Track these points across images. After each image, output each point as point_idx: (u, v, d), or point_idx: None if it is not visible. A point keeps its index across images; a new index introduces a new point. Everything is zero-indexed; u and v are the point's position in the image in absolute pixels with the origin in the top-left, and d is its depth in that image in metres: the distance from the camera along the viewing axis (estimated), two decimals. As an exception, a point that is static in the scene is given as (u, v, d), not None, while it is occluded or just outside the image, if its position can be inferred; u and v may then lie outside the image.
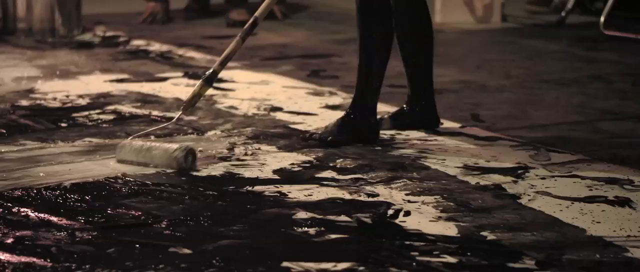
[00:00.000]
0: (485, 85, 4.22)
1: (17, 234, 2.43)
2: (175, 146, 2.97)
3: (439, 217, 2.56)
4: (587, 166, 3.02)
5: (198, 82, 3.17)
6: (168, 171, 2.94)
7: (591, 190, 2.79)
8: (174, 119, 3.17)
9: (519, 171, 2.95)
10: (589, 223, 2.52)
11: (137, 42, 5.29)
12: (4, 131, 3.40)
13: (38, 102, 3.86)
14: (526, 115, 3.70)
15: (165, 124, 3.27)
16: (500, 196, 2.73)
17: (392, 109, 3.67)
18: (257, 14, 3.20)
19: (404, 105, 3.44)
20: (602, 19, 5.43)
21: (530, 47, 5.18)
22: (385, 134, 3.37)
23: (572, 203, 2.68)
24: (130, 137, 3.07)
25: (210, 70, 3.18)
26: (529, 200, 2.70)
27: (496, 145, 3.27)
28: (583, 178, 2.89)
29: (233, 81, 4.26)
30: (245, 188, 2.80)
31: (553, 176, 2.91)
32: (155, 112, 3.69)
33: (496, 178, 2.89)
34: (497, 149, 3.21)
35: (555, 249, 2.34)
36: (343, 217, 2.56)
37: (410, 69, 3.42)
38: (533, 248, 2.35)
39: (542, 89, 4.15)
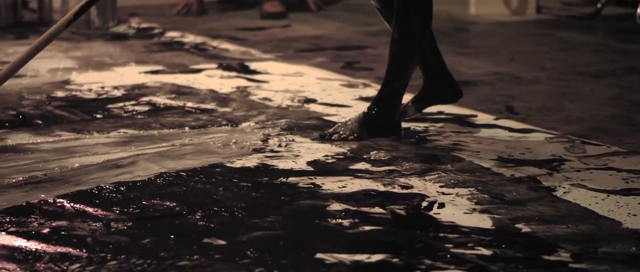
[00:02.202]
0: (519, 77, 4.20)
1: (53, 224, 2.45)
2: None
3: (474, 210, 2.56)
4: (623, 158, 3.00)
5: None
6: (202, 162, 2.95)
7: (627, 182, 2.77)
8: None
9: (554, 163, 2.94)
10: (624, 216, 2.51)
11: (172, 34, 5.31)
12: (40, 122, 3.42)
13: (73, 93, 3.88)
14: (561, 107, 3.68)
15: None
16: (535, 188, 2.72)
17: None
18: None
19: (423, 88, 3.38)
20: (638, 10, 5.39)
21: (565, 39, 5.15)
22: (418, 126, 3.37)
23: (608, 195, 2.66)
24: None
25: None
26: (564, 192, 2.69)
27: (531, 137, 3.25)
28: (619, 170, 2.87)
29: (267, 73, 4.26)
30: (279, 180, 2.81)
31: (588, 168, 2.90)
32: (189, 104, 3.70)
33: (531, 170, 2.88)
34: (532, 141, 3.20)
35: (591, 242, 2.33)
36: (377, 209, 2.56)
37: (421, 55, 3.34)
38: (568, 241, 2.34)
39: (577, 81, 4.13)
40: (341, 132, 3.20)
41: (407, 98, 3.36)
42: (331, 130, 3.23)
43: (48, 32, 3.03)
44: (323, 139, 3.20)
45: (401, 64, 3.22)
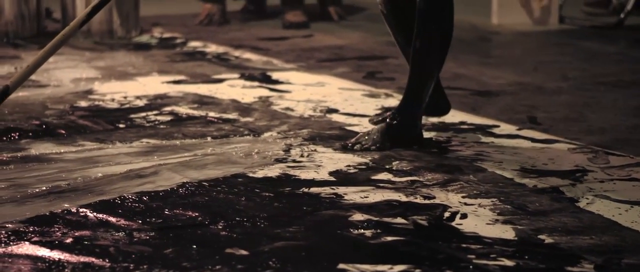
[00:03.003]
0: (542, 88, 4.19)
1: (76, 234, 2.45)
2: None
3: (496, 220, 2.55)
4: (646, 169, 2.99)
5: None
6: (225, 172, 2.96)
7: (650, 194, 2.76)
8: None
9: (577, 174, 2.93)
10: (648, 227, 2.50)
11: (194, 44, 5.32)
12: (63, 132, 3.44)
13: (96, 103, 3.89)
14: (584, 117, 3.67)
15: None
16: (558, 199, 2.71)
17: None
18: (9, 83, 2.96)
19: None
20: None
21: (588, 49, 5.14)
22: (441, 136, 3.36)
23: (631, 206, 2.65)
24: None
25: None
26: (587, 203, 2.68)
27: (553, 148, 3.24)
28: (642, 182, 2.86)
29: (289, 83, 4.27)
30: (301, 190, 2.81)
31: (612, 179, 2.89)
32: (211, 114, 3.71)
33: (554, 181, 2.87)
34: (555, 152, 3.19)
35: (614, 253, 2.32)
36: (399, 220, 2.56)
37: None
38: (591, 252, 2.33)
39: (600, 91, 4.11)
40: (363, 142, 3.20)
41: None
42: (353, 140, 3.23)
43: (61, 34, 3.04)
44: (345, 149, 3.20)
45: (422, 74, 3.22)
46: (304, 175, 2.94)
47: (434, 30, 3.19)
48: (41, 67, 4.54)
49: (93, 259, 2.29)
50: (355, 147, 3.19)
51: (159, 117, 3.65)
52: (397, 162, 3.06)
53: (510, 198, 2.72)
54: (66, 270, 2.24)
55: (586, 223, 2.52)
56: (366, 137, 3.21)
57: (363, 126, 3.49)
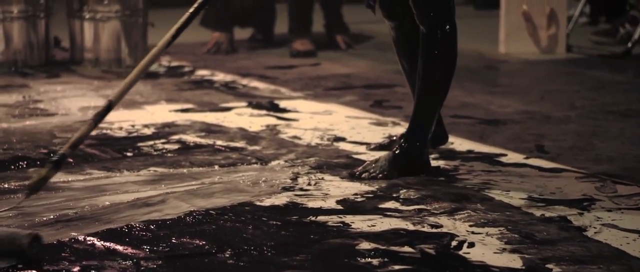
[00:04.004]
0: (549, 116, 4.19)
1: (84, 262, 2.45)
2: (21, 232, 2.54)
3: (504, 249, 2.54)
4: (654, 198, 2.98)
5: (46, 166, 2.81)
6: (232, 201, 2.95)
7: (658, 223, 2.75)
8: (18, 202, 2.84)
9: (585, 203, 2.93)
10: (656, 256, 2.49)
11: (202, 72, 5.34)
12: (71, 160, 3.44)
13: (104, 131, 3.90)
14: (591, 146, 3.66)
15: (13, 207, 2.86)
16: (566, 228, 2.71)
17: (455, 139, 3.66)
18: (111, 97, 3.01)
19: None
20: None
21: (595, 78, 5.14)
22: (448, 164, 3.36)
23: (639, 236, 2.64)
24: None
25: (59, 153, 2.82)
26: (595, 232, 2.67)
27: (561, 176, 3.24)
28: (650, 211, 2.85)
29: (296, 111, 4.27)
30: (308, 218, 2.81)
31: (620, 209, 2.88)
32: (219, 142, 3.71)
33: (561, 210, 2.86)
34: (562, 181, 3.18)
35: (622, 283, 2.31)
36: (406, 248, 2.55)
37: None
38: (599, 281, 2.32)
39: (607, 120, 4.11)
40: (371, 171, 3.20)
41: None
42: (360, 168, 3.23)
43: (159, 44, 3.08)
44: (352, 177, 3.20)
45: (427, 100, 3.23)
46: (311, 203, 2.94)
47: (437, 57, 3.20)
48: (49, 96, 4.56)
49: (100, 288, 2.29)
50: (362, 176, 3.19)
51: (166, 146, 3.66)
52: (405, 190, 3.06)
53: (518, 227, 2.71)
54: (73, 298, 2.24)
55: (594, 252, 2.52)
56: (373, 165, 3.21)
57: (370, 155, 3.49)
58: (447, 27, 3.20)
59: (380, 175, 3.18)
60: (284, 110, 4.30)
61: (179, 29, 3.03)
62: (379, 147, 3.53)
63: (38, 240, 2.47)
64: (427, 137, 3.23)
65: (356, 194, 3.03)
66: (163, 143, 3.70)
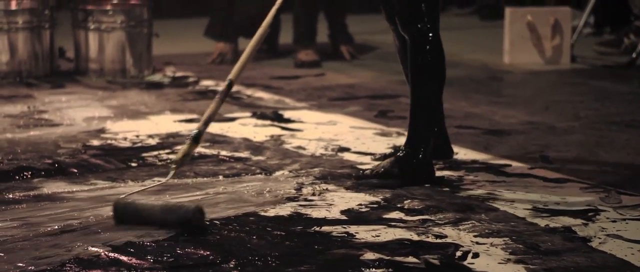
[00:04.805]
0: (554, 127, 4.19)
1: (88, 272, 2.46)
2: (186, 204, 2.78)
3: (508, 260, 2.54)
4: (659, 208, 2.98)
5: (186, 143, 3.01)
6: (236, 211, 2.96)
7: (663, 233, 2.75)
8: (166, 179, 3.02)
9: (589, 214, 2.92)
10: (661, 267, 2.49)
11: (206, 83, 5.34)
12: (76, 171, 3.45)
13: (108, 142, 3.90)
14: (596, 157, 3.66)
15: (158, 184, 3.12)
16: (570, 239, 2.70)
17: (460, 149, 3.66)
18: (231, 76, 3.16)
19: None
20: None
21: (599, 89, 5.14)
22: (453, 175, 3.36)
23: (644, 246, 2.64)
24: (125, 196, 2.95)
25: (195, 130, 3.03)
26: (600, 243, 2.67)
27: (566, 187, 3.24)
28: (655, 221, 2.85)
29: (301, 121, 4.28)
30: (312, 228, 2.81)
31: (624, 219, 2.88)
32: (223, 152, 3.71)
33: (566, 220, 2.86)
34: (567, 191, 3.18)
35: (627, 293, 2.31)
36: (411, 259, 2.55)
37: None
38: (604, 292, 2.32)
39: (612, 130, 4.11)
40: (373, 168, 3.24)
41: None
42: (367, 170, 3.27)
43: (263, 25, 3.20)
44: (358, 178, 3.21)
45: (420, 108, 3.27)
46: (315, 214, 2.94)
47: (424, 65, 3.26)
48: (54, 106, 4.56)
49: (104, 298, 2.29)
50: (365, 172, 3.23)
51: (171, 156, 3.66)
52: (409, 200, 3.05)
53: (522, 237, 2.71)
54: (77, 309, 2.24)
55: (598, 263, 2.51)
56: (376, 165, 3.25)
57: (374, 165, 3.48)
58: (430, 35, 3.23)
59: (382, 169, 3.20)
60: (289, 121, 4.30)
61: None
62: (384, 157, 3.54)
63: (202, 211, 2.75)
64: (428, 142, 3.24)
65: (360, 204, 3.03)
66: (167, 153, 3.70)
